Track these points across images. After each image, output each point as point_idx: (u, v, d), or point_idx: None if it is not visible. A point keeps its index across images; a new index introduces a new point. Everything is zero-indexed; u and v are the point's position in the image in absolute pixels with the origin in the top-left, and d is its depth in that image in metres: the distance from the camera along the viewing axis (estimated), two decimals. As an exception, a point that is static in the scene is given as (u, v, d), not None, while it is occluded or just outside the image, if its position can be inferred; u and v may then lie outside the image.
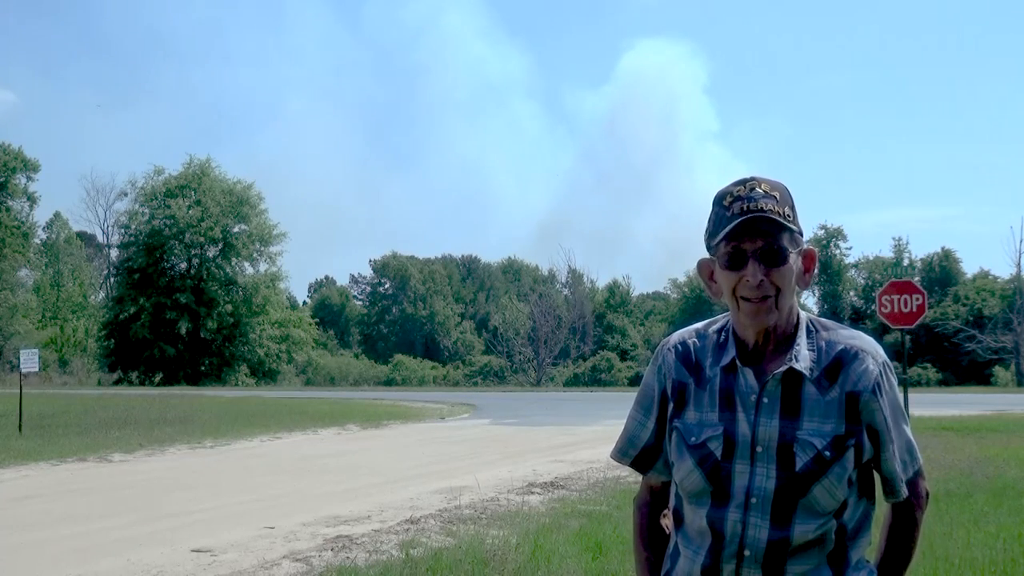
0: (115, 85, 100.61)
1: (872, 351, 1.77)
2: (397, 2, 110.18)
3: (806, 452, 1.70)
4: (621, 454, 1.97)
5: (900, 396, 1.83)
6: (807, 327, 1.79)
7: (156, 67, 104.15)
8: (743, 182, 1.76)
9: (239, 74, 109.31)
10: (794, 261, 1.75)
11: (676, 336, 1.91)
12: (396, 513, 8.31)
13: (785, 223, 1.72)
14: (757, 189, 1.73)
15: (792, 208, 1.75)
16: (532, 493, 9.39)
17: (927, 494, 1.89)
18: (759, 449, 1.72)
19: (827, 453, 1.69)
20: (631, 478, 10.29)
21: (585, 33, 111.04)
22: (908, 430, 1.82)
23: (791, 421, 1.72)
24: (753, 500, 1.71)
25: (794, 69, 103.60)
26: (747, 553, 1.71)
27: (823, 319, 1.83)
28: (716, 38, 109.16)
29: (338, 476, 11.07)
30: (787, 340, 1.77)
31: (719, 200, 1.76)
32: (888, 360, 1.79)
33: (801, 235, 1.77)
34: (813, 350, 1.76)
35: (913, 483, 1.84)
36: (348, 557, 6.45)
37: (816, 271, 1.81)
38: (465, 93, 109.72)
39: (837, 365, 1.74)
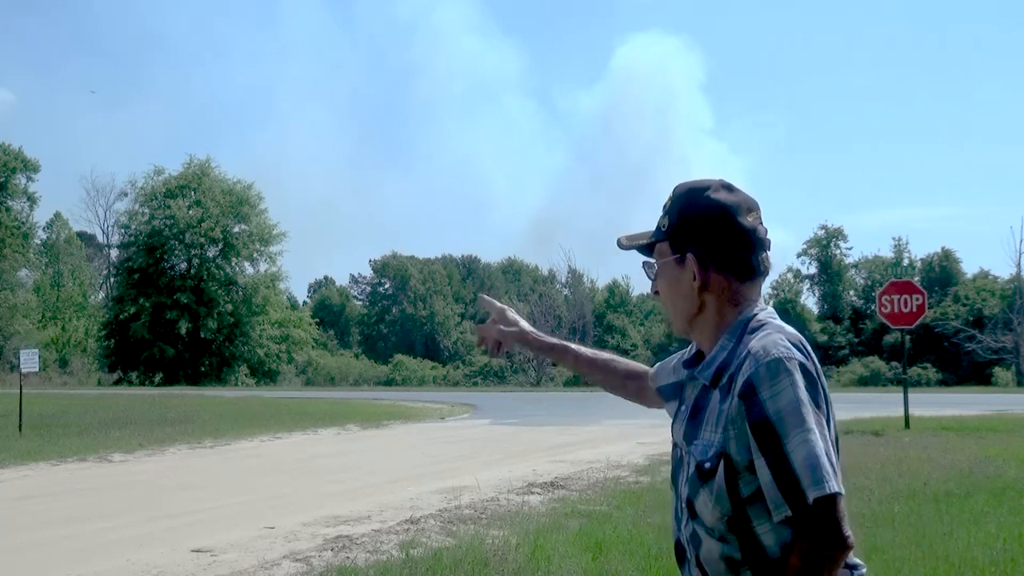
0: (111, 84, 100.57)
1: (760, 350, 1.59)
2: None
3: (690, 463, 1.69)
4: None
5: (791, 410, 1.53)
6: (741, 329, 1.69)
7: (151, 66, 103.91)
8: None
9: (233, 72, 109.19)
10: (670, 271, 1.76)
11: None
12: (396, 513, 8.31)
13: (627, 241, 1.84)
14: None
15: (675, 215, 1.75)
16: (532, 493, 9.39)
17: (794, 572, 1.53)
18: (681, 451, 1.76)
19: (706, 465, 1.63)
20: (631, 478, 10.30)
21: (578, 28, 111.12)
22: (789, 459, 1.51)
23: (693, 429, 1.71)
24: (682, 502, 1.73)
25: (792, 67, 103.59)
26: (688, 552, 1.74)
27: (772, 321, 1.69)
28: (711, 33, 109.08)
29: (338, 476, 11.07)
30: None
31: None
32: (783, 361, 1.56)
33: (689, 241, 1.72)
34: (729, 355, 1.67)
35: (789, 546, 1.56)
36: (348, 557, 6.45)
37: (702, 273, 1.70)
38: (459, 90, 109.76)
39: (736, 371, 1.63)
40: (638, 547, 6.20)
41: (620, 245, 1.87)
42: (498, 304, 2.22)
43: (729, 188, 1.75)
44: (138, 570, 6.26)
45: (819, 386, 1.60)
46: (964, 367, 41.68)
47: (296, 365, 56.70)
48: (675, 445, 1.79)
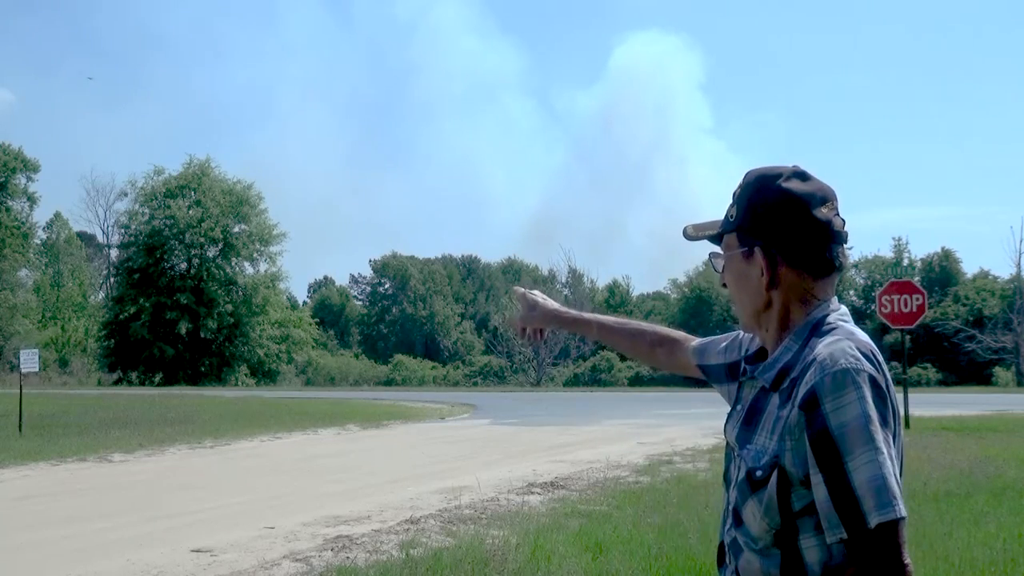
0: (111, 84, 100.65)
1: (827, 358, 1.50)
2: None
3: (741, 469, 1.61)
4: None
5: (856, 427, 1.44)
6: (808, 331, 1.60)
7: (150, 65, 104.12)
8: None
9: (232, 72, 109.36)
10: (736, 265, 1.66)
11: None
12: (396, 513, 8.31)
13: (694, 231, 1.74)
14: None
15: (744, 205, 1.64)
16: (532, 493, 9.38)
17: None
18: (734, 453, 1.67)
19: (758, 473, 1.55)
20: (631, 478, 10.30)
21: (577, 28, 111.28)
22: (849, 478, 1.43)
23: (748, 432, 1.62)
24: (730, 505, 1.67)
25: (792, 67, 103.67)
26: (728, 557, 1.68)
27: (843, 325, 1.59)
28: (710, 32, 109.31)
29: (338, 476, 11.07)
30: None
31: None
32: (852, 372, 1.47)
33: (755, 234, 1.62)
34: (794, 357, 1.58)
35: (837, 569, 1.48)
36: (348, 557, 6.45)
37: (770, 269, 1.61)
38: (458, 90, 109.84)
39: (800, 376, 1.53)
40: (638, 547, 6.20)
41: (686, 235, 1.77)
42: (520, 290, 2.24)
43: (803, 176, 1.62)
44: (138, 570, 6.26)
45: (888, 401, 1.50)
46: (964, 367, 41.66)
47: (296, 365, 56.71)
48: (728, 444, 1.72)
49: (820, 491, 1.46)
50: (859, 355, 1.50)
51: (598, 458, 12.22)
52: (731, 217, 1.67)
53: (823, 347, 1.53)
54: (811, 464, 1.47)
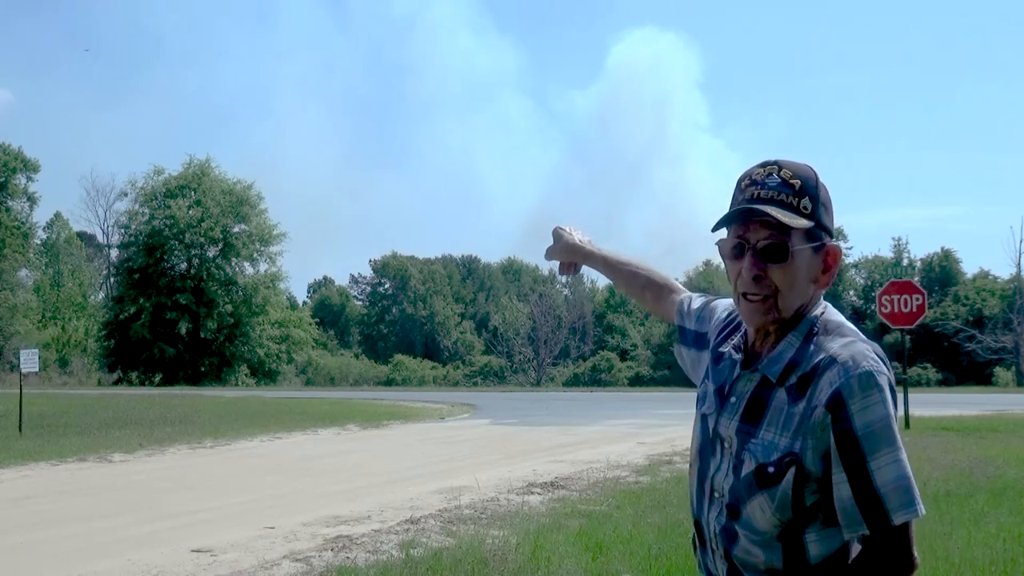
0: (110, 83, 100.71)
1: (849, 360, 1.53)
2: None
3: (749, 463, 1.60)
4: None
5: (881, 427, 1.49)
6: (811, 328, 1.61)
7: (149, 65, 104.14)
8: (766, 164, 1.65)
9: (230, 71, 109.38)
10: (805, 258, 1.61)
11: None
12: (396, 513, 8.32)
13: (788, 219, 1.57)
14: (775, 176, 1.62)
15: (815, 199, 1.61)
16: (532, 493, 9.39)
17: None
18: (726, 445, 1.66)
19: (770, 468, 1.56)
20: (631, 478, 10.30)
21: (574, 26, 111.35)
22: (871, 478, 1.48)
23: (750, 426, 1.61)
24: (716, 494, 1.67)
25: (791, 65, 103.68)
26: (711, 542, 1.70)
27: (843, 324, 1.62)
28: (708, 30, 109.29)
29: (338, 476, 11.07)
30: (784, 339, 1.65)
31: (739, 180, 1.67)
32: (875, 375, 1.51)
33: (825, 229, 1.63)
34: (798, 353, 1.60)
35: (836, 562, 1.54)
36: (348, 557, 6.46)
37: (836, 271, 1.67)
38: (455, 89, 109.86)
39: (813, 374, 1.55)
40: (638, 547, 6.20)
41: (756, 212, 1.59)
42: (557, 230, 2.33)
43: None
44: (138, 570, 6.26)
45: (896, 403, 1.56)
46: (964, 367, 41.67)
47: (296, 365, 56.70)
48: (705, 427, 1.73)
49: (843, 490, 1.50)
50: (877, 358, 1.55)
51: (598, 458, 12.22)
52: (806, 208, 1.60)
53: (840, 348, 1.56)
54: (834, 463, 1.51)
